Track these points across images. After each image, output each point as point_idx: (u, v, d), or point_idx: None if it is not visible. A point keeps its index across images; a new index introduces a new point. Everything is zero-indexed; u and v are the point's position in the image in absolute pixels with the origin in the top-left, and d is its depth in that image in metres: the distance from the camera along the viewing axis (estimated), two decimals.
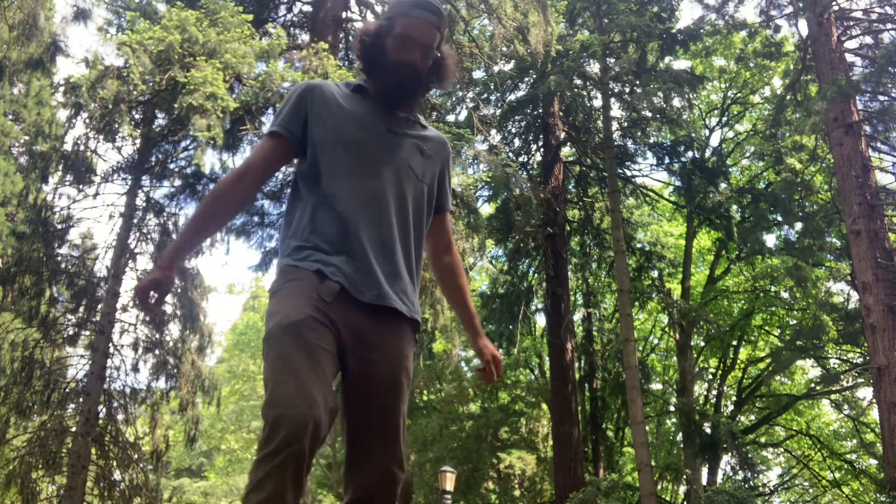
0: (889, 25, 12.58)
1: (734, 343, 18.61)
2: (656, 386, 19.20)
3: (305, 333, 1.77)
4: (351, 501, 1.88)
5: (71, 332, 13.27)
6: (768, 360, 17.79)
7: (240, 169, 2.02)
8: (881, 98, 11.99)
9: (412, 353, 2.00)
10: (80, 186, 12.43)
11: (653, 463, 13.53)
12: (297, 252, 1.94)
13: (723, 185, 15.27)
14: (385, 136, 2.03)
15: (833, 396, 18.14)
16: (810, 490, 21.07)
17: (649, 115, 14.47)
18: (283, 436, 1.65)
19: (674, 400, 17.55)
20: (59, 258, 12.99)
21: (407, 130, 2.09)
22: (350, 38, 13.85)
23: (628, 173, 15.94)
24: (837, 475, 19.10)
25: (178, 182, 13.32)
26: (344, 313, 1.87)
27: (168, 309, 13.65)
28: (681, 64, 16.04)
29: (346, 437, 1.91)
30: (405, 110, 2.11)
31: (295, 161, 2.11)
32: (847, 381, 16.41)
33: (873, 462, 17.41)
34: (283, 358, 1.74)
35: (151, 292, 1.89)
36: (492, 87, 15.41)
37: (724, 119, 19.27)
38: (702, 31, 14.14)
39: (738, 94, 18.54)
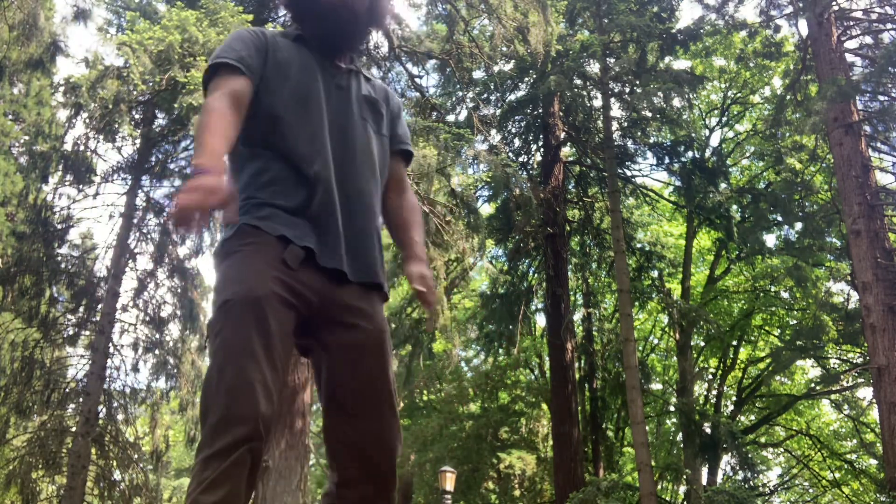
0: (889, 25, 12.58)
1: (734, 343, 18.60)
2: (656, 386, 19.21)
3: (268, 314, 1.59)
4: (346, 481, 1.71)
5: (71, 332, 13.28)
6: (768, 360, 17.79)
7: (226, 98, 1.74)
8: (881, 98, 11.99)
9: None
10: (80, 186, 12.45)
11: (653, 463, 13.53)
12: (257, 209, 1.73)
13: (723, 185, 15.26)
14: (337, 91, 1.91)
15: (833, 396, 18.14)
16: (810, 490, 21.08)
17: (649, 115, 14.46)
18: (241, 433, 1.50)
19: (674, 400, 17.55)
20: (59, 258, 13.01)
21: (354, 83, 1.96)
22: None
23: (628, 173, 15.93)
24: (837, 475, 19.10)
25: (178, 182, 13.33)
26: (311, 279, 1.71)
27: (168, 309, 13.66)
28: (681, 64, 16.06)
29: (333, 411, 1.74)
30: (347, 59, 1.98)
31: None
32: (847, 381, 16.41)
33: (873, 462, 17.41)
34: (244, 341, 1.56)
35: (211, 200, 1.51)
36: (492, 87, 15.40)
37: (724, 119, 19.27)
38: (702, 31, 14.13)
39: (738, 94, 18.54)
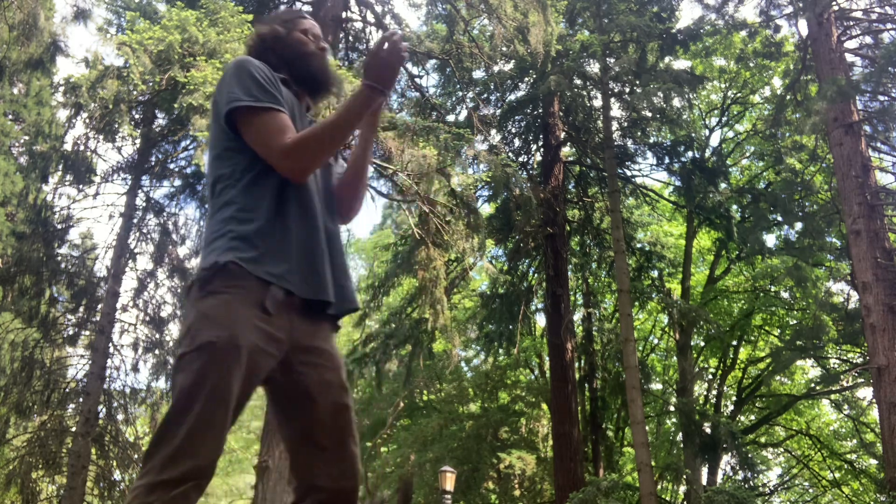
0: (889, 25, 12.58)
1: (734, 343, 18.60)
2: (656, 386, 19.20)
3: (244, 363, 1.68)
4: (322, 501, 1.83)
5: (71, 332, 13.27)
6: (768, 360, 17.79)
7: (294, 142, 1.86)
8: (881, 98, 11.99)
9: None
10: (80, 186, 12.45)
11: (653, 463, 13.53)
12: (244, 246, 1.79)
13: (723, 185, 15.26)
14: None
15: (833, 396, 18.14)
16: (810, 490, 21.07)
17: (649, 115, 14.46)
18: (193, 466, 1.58)
19: (674, 400, 17.55)
20: (59, 258, 13.00)
21: None
22: (350, 38, 13.84)
23: (628, 173, 15.93)
24: (837, 475, 19.10)
25: (178, 182, 13.34)
26: (287, 322, 1.80)
27: (168, 309, 13.66)
28: (681, 64, 16.05)
29: (302, 443, 1.84)
30: (323, 99, 2.17)
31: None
32: (847, 381, 16.41)
33: (873, 462, 17.41)
34: (219, 386, 1.64)
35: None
36: (492, 87, 15.40)
37: (724, 119, 19.27)
38: (702, 31, 14.13)
39: (738, 94, 18.54)
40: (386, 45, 1.84)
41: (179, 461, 1.58)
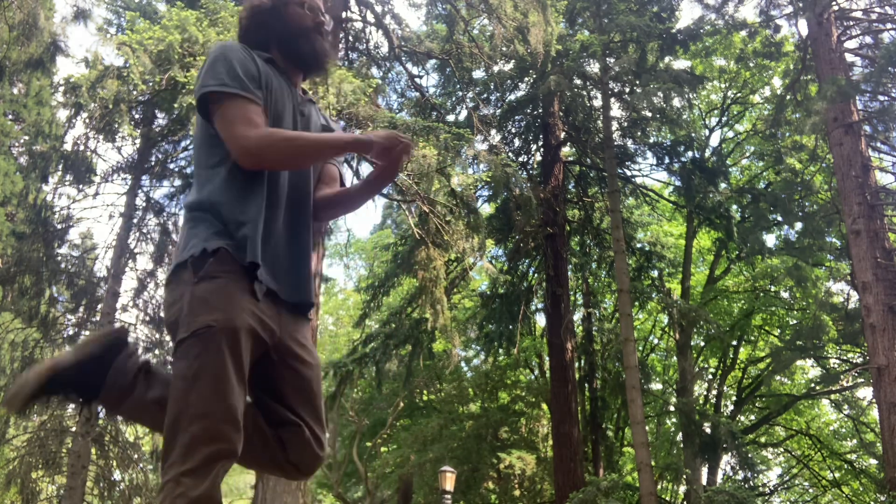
0: (889, 25, 12.58)
1: (734, 343, 18.60)
2: (656, 386, 19.20)
3: (243, 345, 1.70)
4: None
5: (71, 332, 13.27)
6: (768, 360, 17.79)
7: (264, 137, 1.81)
8: (881, 98, 11.99)
9: None
10: (80, 186, 12.45)
11: (653, 463, 13.52)
12: (228, 234, 1.79)
13: (723, 185, 15.26)
14: (301, 118, 1.99)
15: (833, 396, 18.14)
16: (810, 490, 21.07)
17: (649, 115, 14.46)
18: (223, 450, 1.63)
19: (674, 400, 17.55)
20: (59, 258, 13.01)
21: (314, 112, 2.06)
22: (350, 38, 13.84)
23: (628, 173, 15.93)
24: (837, 475, 19.10)
25: (177, 182, 13.34)
26: (274, 310, 1.83)
27: None
28: (681, 64, 16.05)
29: (280, 421, 1.88)
30: (316, 77, 2.08)
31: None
32: (847, 381, 16.41)
33: (873, 462, 17.41)
34: (224, 367, 1.66)
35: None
36: (492, 87, 15.40)
37: (724, 119, 19.27)
38: (702, 31, 14.13)
39: (738, 94, 18.54)
40: (401, 144, 1.86)
41: (209, 444, 1.61)
